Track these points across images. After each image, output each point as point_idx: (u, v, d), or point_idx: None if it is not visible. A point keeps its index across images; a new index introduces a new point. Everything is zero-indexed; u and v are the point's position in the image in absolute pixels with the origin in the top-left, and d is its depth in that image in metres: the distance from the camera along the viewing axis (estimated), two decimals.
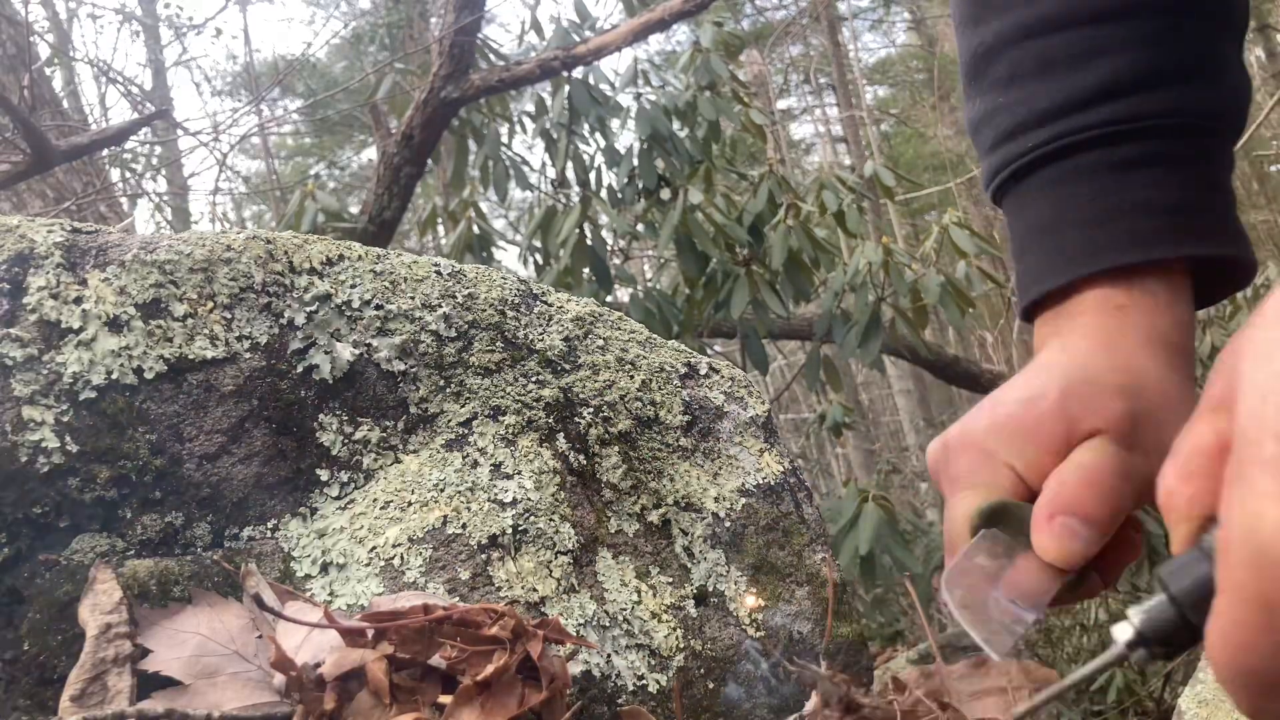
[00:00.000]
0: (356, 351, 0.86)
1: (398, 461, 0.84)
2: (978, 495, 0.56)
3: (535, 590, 0.80)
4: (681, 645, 0.86)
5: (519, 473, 0.86)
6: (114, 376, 0.75)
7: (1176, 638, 0.42)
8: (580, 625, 0.80)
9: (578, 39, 3.61)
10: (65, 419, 0.72)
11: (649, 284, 4.01)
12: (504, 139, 3.92)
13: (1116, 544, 0.55)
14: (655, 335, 1.05)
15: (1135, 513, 0.57)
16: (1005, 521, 0.55)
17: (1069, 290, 0.61)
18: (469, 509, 0.82)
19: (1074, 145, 0.61)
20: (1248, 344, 0.35)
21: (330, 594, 0.76)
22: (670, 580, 0.90)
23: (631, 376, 0.98)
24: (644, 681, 0.82)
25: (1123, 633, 0.44)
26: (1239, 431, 0.34)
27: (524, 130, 4.06)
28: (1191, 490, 0.38)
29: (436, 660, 0.66)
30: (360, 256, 0.90)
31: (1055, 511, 0.53)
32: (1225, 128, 0.63)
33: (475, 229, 3.63)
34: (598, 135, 3.75)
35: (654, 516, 0.93)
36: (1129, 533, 0.57)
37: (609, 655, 0.81)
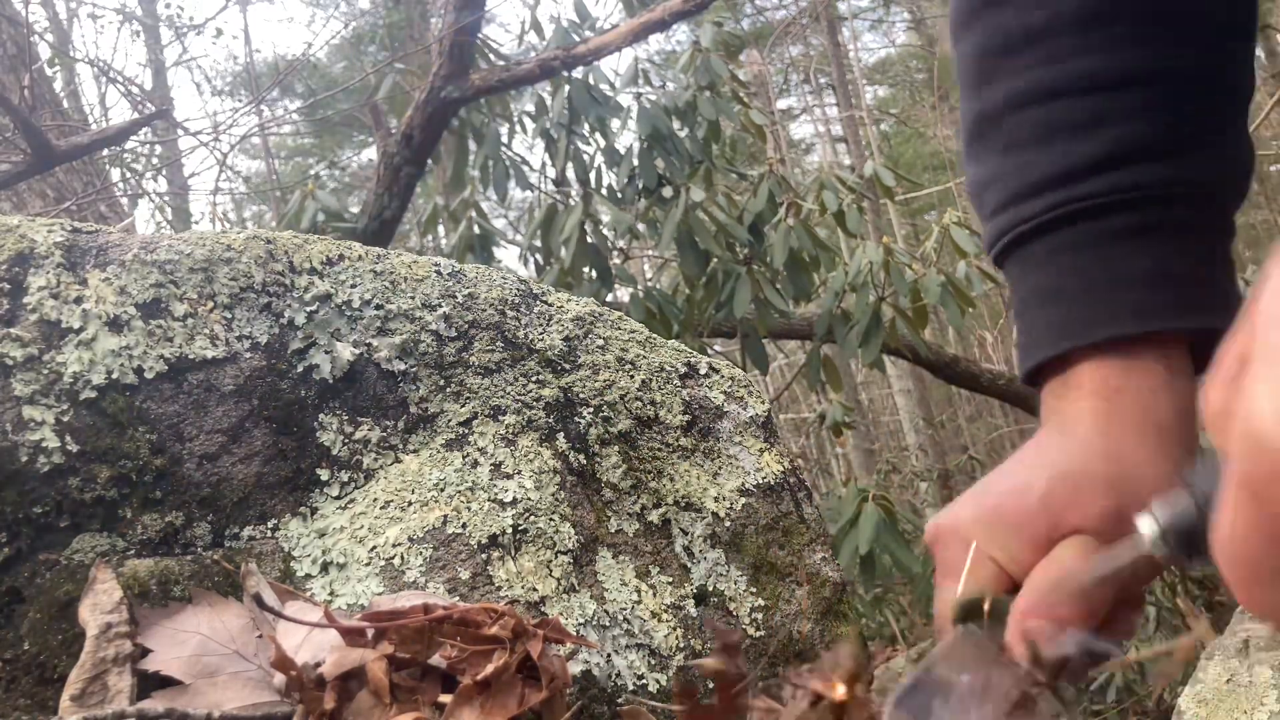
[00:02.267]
0: (357, 351, 0.86)
1: (398, 461, 0.85)
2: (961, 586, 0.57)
3: (535, 590, 0.80)
4: (681, 645, 0.86)
5: (519, 472, 0.86)
6: (114, 376, 0.75)
7: (1197, 536, 0.42)
8: (580, 625, 0.80)
9: (578, 39, 3.61)
10: (65, 419, 0.72)
11: (649, 284, 4.01)
12: (504, 139, 3.91)
13: (1110, 625, 0.55)
14: (655, 335, 1.05)
15: (1138, 591, 0.57)
16: (986, 615, 0.55)
17: (1069, 359, 0.61)
18: (469, 509, 0.82)
19: (1077, 213, 0.60)
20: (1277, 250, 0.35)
21: (330, 594, 0.76)
22: (670, 580, 0.90)
23: (631, 376, 0.98)
24: (644, 681, 0.82)
25: (1148, 526, 0.45)
26: (1254, 326, 0.34)
27: (524, 130, 4.06)
28: (1226, 395, 0.38)
29: (436, 660, 0.66)
30: (360, 256, 0.90)
31: (1028, 614, 0.53)
32: (1228, 197, 0.63)
33: (476, 229, 3.63)
34: (598, 135, 3.75)
35: (654, 516, 0.93)
36: (1126, 613, 0.56)
37: (609, 655, 0.81)
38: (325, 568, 0.77)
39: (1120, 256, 0.60)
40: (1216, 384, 0.39)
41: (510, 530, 0.82)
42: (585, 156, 3.76)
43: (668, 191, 3.57)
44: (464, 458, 0.86)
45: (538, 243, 3.64)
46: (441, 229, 4.29)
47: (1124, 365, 0.59)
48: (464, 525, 0.81)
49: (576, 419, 0.93)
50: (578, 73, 3.59)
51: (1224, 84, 0.64)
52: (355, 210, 3.86)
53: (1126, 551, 0.48)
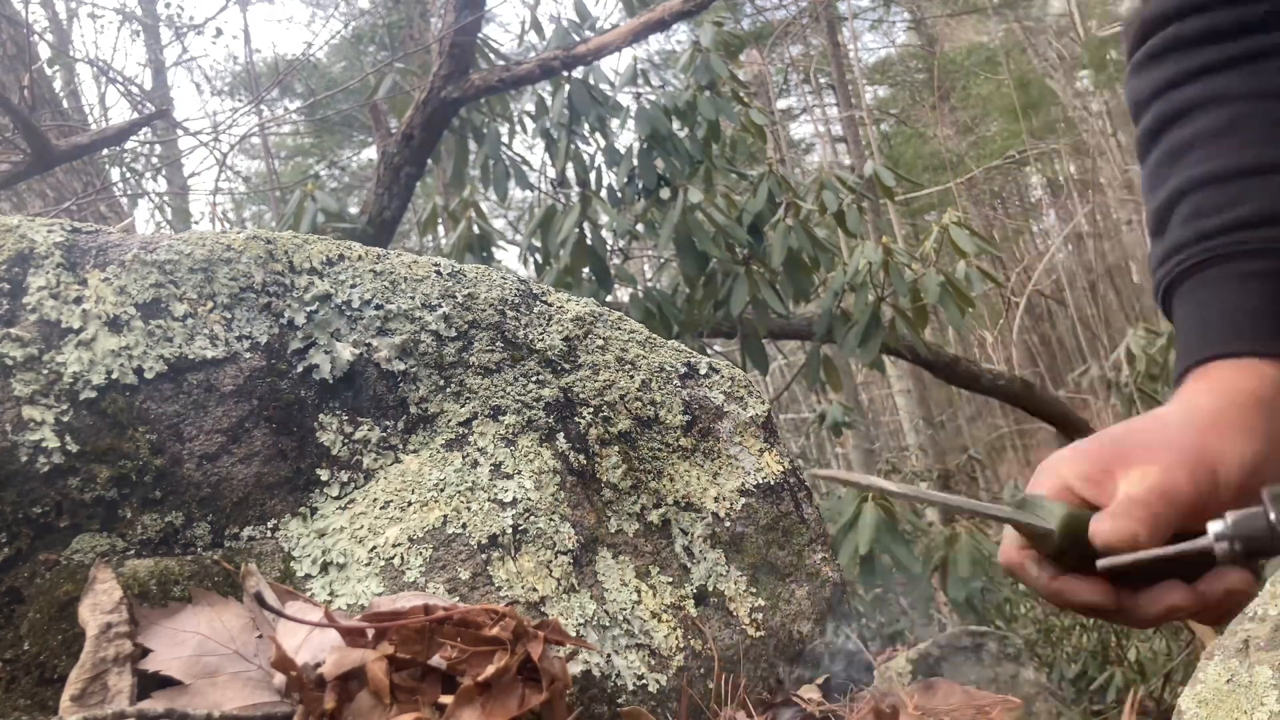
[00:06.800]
0: (356, 351, 0.86)
1: (398, 461, 0.84)
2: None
3: (535, 590, 0.80)
4: (681, 645, 0.86)
5: (519, 472, 0.86)
6: (114, 376, 0.75)
7: (1260, 542, 0.51)
8: (580, 625, 0.80)
9: (578, 39, 3.61)
10: (65, 419, 0.72)
11: (649, 284, 4.01)
12: (504, 139, 3.91)
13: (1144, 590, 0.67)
14: (655, 335, 1.05)
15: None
16: (1035, 508, 0.67)
17: (1197, 367, 0.76)
18: (469, 509, 0.82)
19: (1216, 258, 0.77)
20: None
21: (330, 594, 0.76)
22: (670, 580, 0.90)
23: (631, 376, 0.98)
24: (644, 681, 0.82)
25: (1215, 525, 0.54)
26: None
27: (524, 130, 4.06)
28: None
29: (437, 660, 0.66)
30: (360, 256, 0.90)
31: (1117, 505, 0.65)
32: None
33: (475, 229, 3.63)
34: (598, 135, 3.75)
35: (654, 516, 0.93)
36: (1162, 593, 0.68)
37: (609, 655, 0.81)
38: (325, 568, 0.77)
39: (1242, 293, 0.76)
40: None
41: (510, 530, 0.82)
42: (585, 156, 3.76)
43: (666, 192, 3.56)
44: (464, 458, 0.86)
45: (537, 243, 3.64)
46: (441, 229, 4.29)
47: (1258, 371, 0.74)
48: (464, 525, 0.81)
49: (576, 419, 0.93)
50: (578, 73, 3.59)
51: None
52: (355, 210, 3.85)
53: (1192, 543, 0.57)
